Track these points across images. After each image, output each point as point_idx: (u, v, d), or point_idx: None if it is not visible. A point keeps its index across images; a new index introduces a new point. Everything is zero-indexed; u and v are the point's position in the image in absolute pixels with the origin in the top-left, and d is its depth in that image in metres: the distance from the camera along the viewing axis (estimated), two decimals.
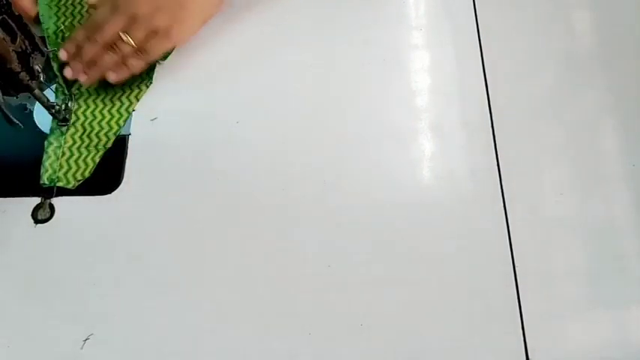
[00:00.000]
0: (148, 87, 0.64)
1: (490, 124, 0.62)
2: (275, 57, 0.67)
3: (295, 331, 0.53)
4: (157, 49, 0.63)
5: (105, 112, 0.64)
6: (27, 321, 0.53)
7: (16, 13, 0.52)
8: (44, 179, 0.61)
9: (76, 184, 0.60)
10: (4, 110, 0.53)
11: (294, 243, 0.57)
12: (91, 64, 0.63)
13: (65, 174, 0.61)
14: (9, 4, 0.52)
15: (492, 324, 0.53)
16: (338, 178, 0.60)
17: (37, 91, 0.56)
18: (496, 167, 0.60)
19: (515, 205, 0.58)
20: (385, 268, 0.55)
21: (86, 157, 0.62)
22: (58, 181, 0.60)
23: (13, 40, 0.51)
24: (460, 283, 0.55)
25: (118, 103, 0.64)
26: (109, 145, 0.62)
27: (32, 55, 0.54)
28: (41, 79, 0.56)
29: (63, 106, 0.62)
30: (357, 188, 0.59)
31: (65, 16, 0.69)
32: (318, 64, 0.66)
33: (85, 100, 0.64)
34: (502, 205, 0.58)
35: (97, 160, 0.61)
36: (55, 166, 0.61)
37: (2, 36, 0.50)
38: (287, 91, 0.65)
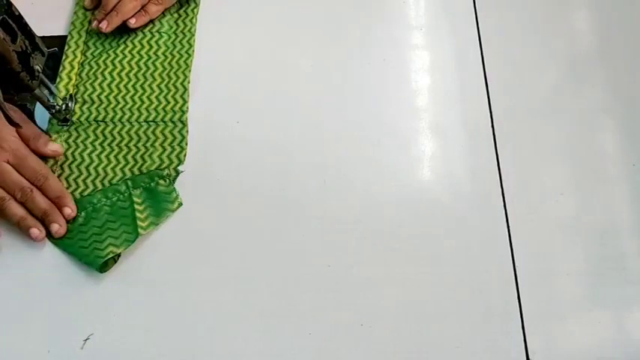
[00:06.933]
0: (130, 243, 0.56)
1: (490, 124, 0.63)
2: (275, 57, 0.67)
3: (295, 331, 0.53)
4: None
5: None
6: (27, 321, 0.53)
7: (16, 13, 0.52)
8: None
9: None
10: (4, 110, 0.53)
11: (294, 243, 0.57)
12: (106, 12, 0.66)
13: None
14: (9, 4, 0.51)
15: (492, 324, 0.53)
16: (338, 178, 0.60)
17: (37, 91, 0.56)
18: (496, 167, 0.60)
19: (515, 205, 0.58)
20: (385, 268, 0.55)
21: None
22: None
23: (14, 40, 0.51)
24: (460, 283, 0.55)
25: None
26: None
27: (32, 55, 0.54)
28: (41, 79, 0.56)
29: (63, 106, 0.61)
30: (357, 188, 0.59)
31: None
32: (318, 64, 0.66)
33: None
34: (502, 205, 0.58)
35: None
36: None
37: (2, 36, 0.50)
38: (287, 91, 0.65)
